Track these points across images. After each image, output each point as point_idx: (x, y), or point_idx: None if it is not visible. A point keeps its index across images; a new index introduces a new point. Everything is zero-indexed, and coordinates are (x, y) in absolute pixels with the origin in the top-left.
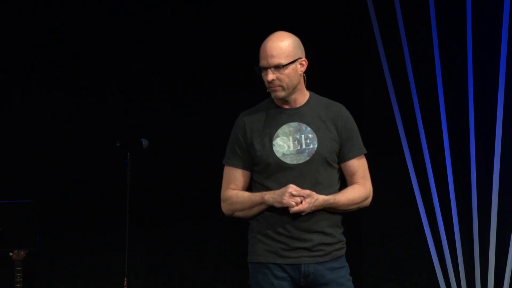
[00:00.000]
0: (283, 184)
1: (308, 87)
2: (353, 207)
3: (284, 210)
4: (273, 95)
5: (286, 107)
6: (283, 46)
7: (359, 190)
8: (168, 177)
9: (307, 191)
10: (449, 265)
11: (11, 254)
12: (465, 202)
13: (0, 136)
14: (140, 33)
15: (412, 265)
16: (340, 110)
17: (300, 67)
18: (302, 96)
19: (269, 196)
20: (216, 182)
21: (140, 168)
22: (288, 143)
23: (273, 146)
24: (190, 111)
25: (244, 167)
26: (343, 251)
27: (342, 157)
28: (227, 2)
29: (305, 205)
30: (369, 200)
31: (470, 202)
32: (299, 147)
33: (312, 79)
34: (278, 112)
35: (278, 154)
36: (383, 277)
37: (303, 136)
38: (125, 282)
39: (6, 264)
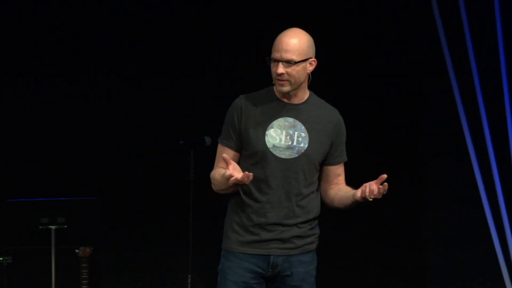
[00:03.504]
0: (267, 174)
1: (356, 88)
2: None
3: (260, 201)
4: (278, 88)
5: (286, 101)
6: (298, 43)
7: None
8: None
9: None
10: None
11: (77, 251)
12: None
13: (67, 135)
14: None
15: (478, 272)
16: (337, 114)
17: (309, 66)
18: (303, 94)
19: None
20: None
21: (203, 165)
22: (281, 136)
23: (266, 136)
24: None
25: (235, 148)
26: (314, 246)
27: (330, 159)
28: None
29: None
30: None
31: None
32: (290, 143)
33: (374, 80)
34: (278, 104)
35: (269, 145)
36: (448, 284)
37: (296, 133)
38: (189, 279)
39: (72, 261)
